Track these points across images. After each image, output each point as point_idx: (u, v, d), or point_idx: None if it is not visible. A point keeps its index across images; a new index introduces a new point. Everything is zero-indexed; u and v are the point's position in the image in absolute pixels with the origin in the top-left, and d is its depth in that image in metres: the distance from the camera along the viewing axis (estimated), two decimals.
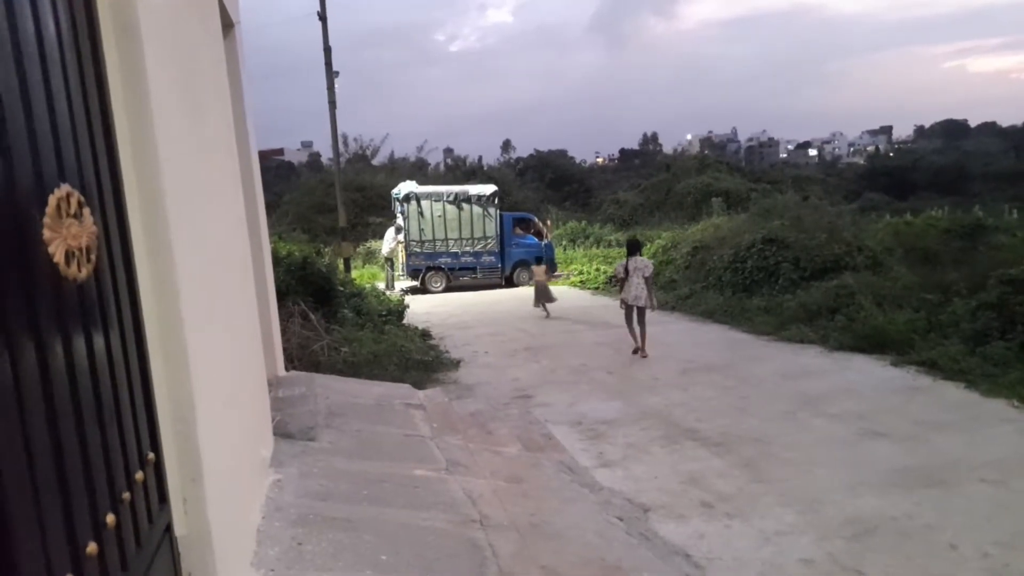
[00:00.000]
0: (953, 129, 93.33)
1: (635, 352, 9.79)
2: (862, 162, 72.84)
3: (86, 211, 1.78)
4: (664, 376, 8.53)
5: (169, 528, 2.24)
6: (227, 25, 4.84)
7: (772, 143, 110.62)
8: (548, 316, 13.73)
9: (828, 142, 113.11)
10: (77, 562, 1.56)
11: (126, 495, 1.88)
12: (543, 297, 13.91)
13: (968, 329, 8.48)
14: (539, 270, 14.61)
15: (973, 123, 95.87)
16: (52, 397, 1.53)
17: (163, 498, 2.21)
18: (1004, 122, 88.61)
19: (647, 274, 9.73)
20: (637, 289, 9.70)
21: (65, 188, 1.67)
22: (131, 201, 2.15)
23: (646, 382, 8.29)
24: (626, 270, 9.86)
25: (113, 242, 1.99)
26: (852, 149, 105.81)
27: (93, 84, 1.95)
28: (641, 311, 9.79)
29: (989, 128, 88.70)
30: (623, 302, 9.95)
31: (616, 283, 12.53)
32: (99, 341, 1.82)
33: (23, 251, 1.48)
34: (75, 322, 1.69)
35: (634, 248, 10.26)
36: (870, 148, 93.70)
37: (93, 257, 1.80)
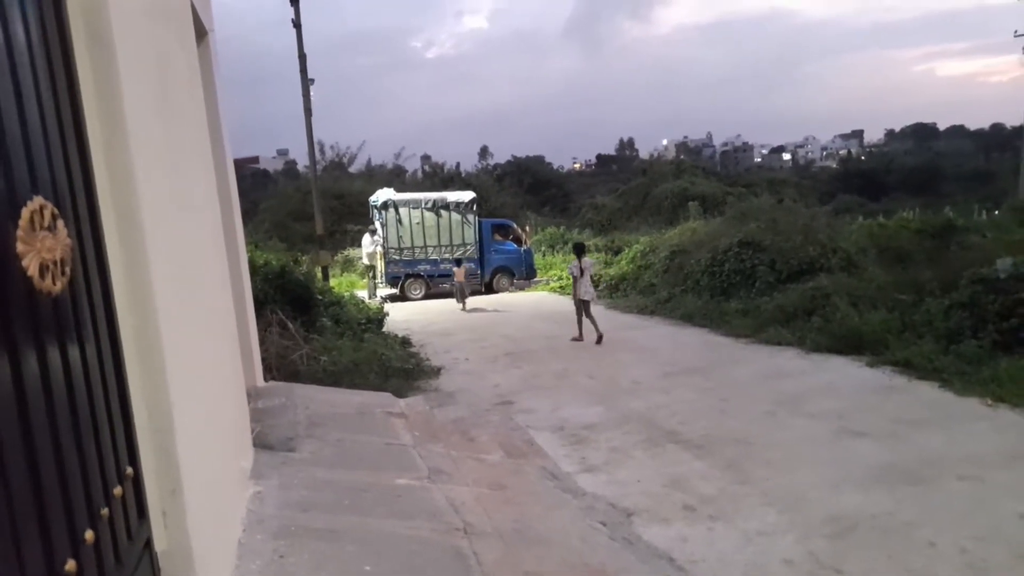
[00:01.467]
0: (923, 132, 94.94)
1: (576, 340, 11.36)
2: (835, 165, 73.86)
3: (60, 223, 1.75)
4: (645, 380, 8.56)
5: (149, 543, 2.21)
6: (200, 33, 4.80)
7: (747, 147, 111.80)
8: (464, 309, 16.23)
9: (801, 146, 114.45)
10: None
11: (104, 511, 1.85)
12: (463, 292, 16.63)
13: (941, 328, 8.61)
14: (459, 272, 16.86)
15: (942, 126, 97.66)
16: (27, 412, 1.51)
17: (142, 513, 2.18)
18: (972, 125, 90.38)
19: (591, 272, 11.62)
20: (587, 285, 11.33)
21: (38, 200, 1.65)
22: (106, 212, 2.12)
23: (627, 386, 8.32)
24: (580, 270, 11.36)
25: (88, 254, 1.96)
26: (825, 152, 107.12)
27: (65, 93, 1.93)
28: (588, 304, 11.41)
29: (958, 131, 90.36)
30: (578, 297, 11.39)
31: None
32: (75, 355, 1.79)
33: None
34: (50, 336, 1.66)
35: (580, 251, 11.94)
36: (842, 151, 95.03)
37: (68, 270, 1.77)
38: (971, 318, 8.40)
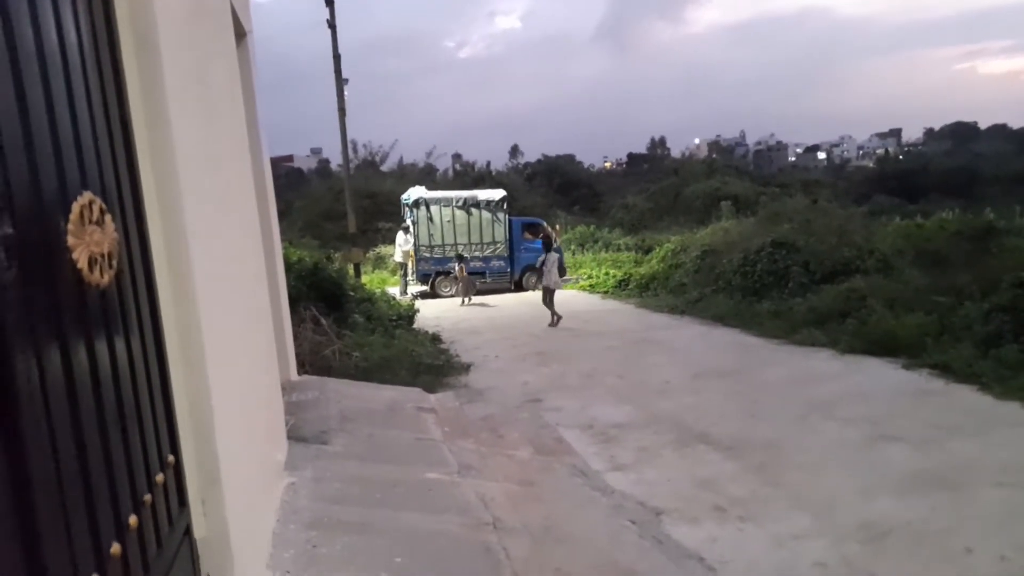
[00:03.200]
0: (963, 132, 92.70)
1: (553, 324, 13.00)
2: (871, 165, 72.45)
3: (108, 218, 1.81)
4: (675, 380, 8.52)
5: (188, 530, 2.27)
6: (240, 34, 4.89)
7: (780, 147, 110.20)
8: (465, 304, 16.98)
9: (837, 145, 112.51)
10: (101, 563, 1.58)
11: (147, 497, 1.91)
12: (465, 292, 17.33)
13: (980, 332, 8.43)
14: (463, 267, 17.69)
15: (983, 125, 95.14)
16: (76, 401, 1.56)
17: (183, 501, 2.24)
18: (1014, 124, 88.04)
19: (559, 264, 13.67)
20: (550, 275, 13.25)
21: (87, 195, 1.70)
22: (150, 208, 2.18)
23: (657, 386, 8.28)
24: (542, 263, 13.60)
25: (133, 248, 2.02)
26: (861, 152, 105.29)
27: (113, 93, 1.99)
28: (552, 292, 13.32)
29: (999, 131, 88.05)
30: (544, 287, 13.43)
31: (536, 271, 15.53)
32: (121, 346, 1.85)
33: (49, 257, 1.51)
34: (98, 327, 1.72)
35: (548, 245, 14.24)
36: (879, 151, 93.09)
37: (115, 263, 1.83)
38: (1012, 322, 8.22)
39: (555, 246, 20.46)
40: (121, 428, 1.80)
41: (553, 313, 13.11)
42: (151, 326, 2.10)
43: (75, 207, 1.65)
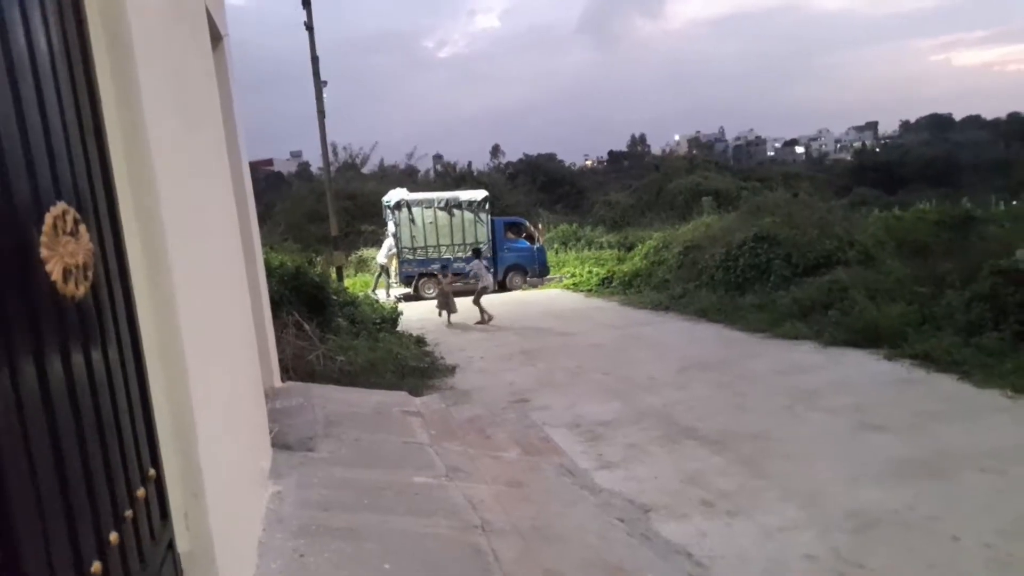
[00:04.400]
0: (939, 123, 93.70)
1: (487, 322, 13.66)
2: (849, 158, 73.16)
3: (82, 228, 1.77)
4: (661, 376, 8.54)
5: (172, 544, 2.23)
6: (216, 37, 4.83)
7: (760, 141, 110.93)
8: (450, 325, 13.88)
9: (815, 139, 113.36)
10: None
11: (128, 512, 1.87)
12: (444, 306, 14.23)
13: (961, 321, 8.53)
14: (445, 280, 14.91)
15: (958, 116, 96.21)
16: (53, 415, 1.53)
17: (165, 514, 2.20)
18: (988, 115, 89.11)
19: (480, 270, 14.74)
20: (485, 277, 14.59)
21: (61, 206, 1.67)
22: (126, 216, 2.14)
23: (642, 382, 8.30)
24: (472, 270, 14.76)
25: (109, 258, 1.98)
26: (839, 145, 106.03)
27: (86, 99, 1.95)
28: (482, 292, 14.26)
29: (974, 121, 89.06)
30: (484, 289, 14.38)
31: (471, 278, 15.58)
32: (98, 358, 1.81)
33: (22, 270, 1.47)
34: (74, 340, 1.68)
35: (477, 254, 15.73)
36: (857, 144, 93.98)
37: (90, 274, 1.79)
38: (992, 310, 8.31)
39: (484, 259, 20.35)
40: (100, 443, 1.76)
41: (482, 311, 13.75)
42: (129, 337, 2.06)
43: (48, 218, 1.61)
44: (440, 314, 14.28)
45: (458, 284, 20.13)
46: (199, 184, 3.15)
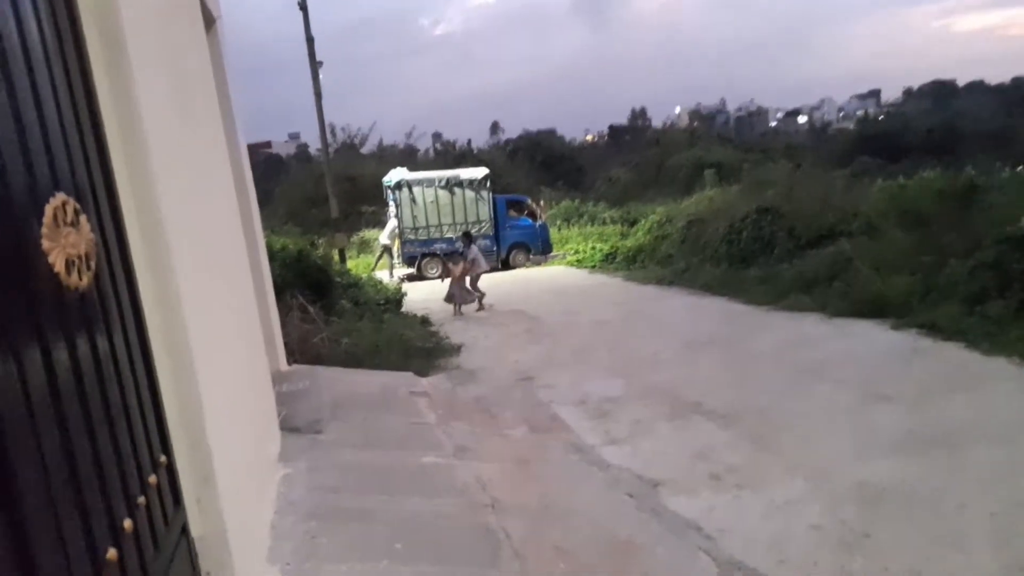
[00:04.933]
0: (942, 90, 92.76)
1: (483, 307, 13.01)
2: (852, 127, 72.52)
3: (83, 218, 1.77)
4: (666, 352, 8.55)
5: (185, 529, 2.25)
6: (209, 21, 4.79)
7: (761, 112, 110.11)
8: (459, 314, 12.62)
9: (817, 108, 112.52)
10: (98, 568, 1.57)
11: (141, 499, 1.89)
12: (460, 297, 12.77)
13: (966, 290, 8.48)
14: (456, 268, 13.30)
15: (961, 83, 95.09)
16: (62, 406, 1.54)
17: (177, 500, 2.22)
18: (992, 80, 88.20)
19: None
20: (480, 264, 13.36)
21: (60, 197, 1.66)
22: (126, 205, 2.14)
23: (648, 358, 8.31)
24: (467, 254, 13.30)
25: (111, 248, 1.98)
26: (842, 115, 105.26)
27: (81, 90, 1.94)
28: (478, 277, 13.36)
29: (977, 87, 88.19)
30: (477, 273, 13.26)
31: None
32: (104, 348, 1.81)
33: (24, 262, 1.47)
34: (79, 331, 1.68)
35: (469, 238, 14.00)
36: (859, 113, 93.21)
37: (93, 264, 1.79)
38: (997, 278, 8.26)
39: (486, 238, 20.16)
40: (110, 432, 1.77)
41: (480, 295, 13.11)
42: (134, 326, 2.07)
43: (48, 209, 1.60)
44: (457, 309, 12.72)
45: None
46: (198, 170, 3.14)
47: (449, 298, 12.87)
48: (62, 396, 1.54)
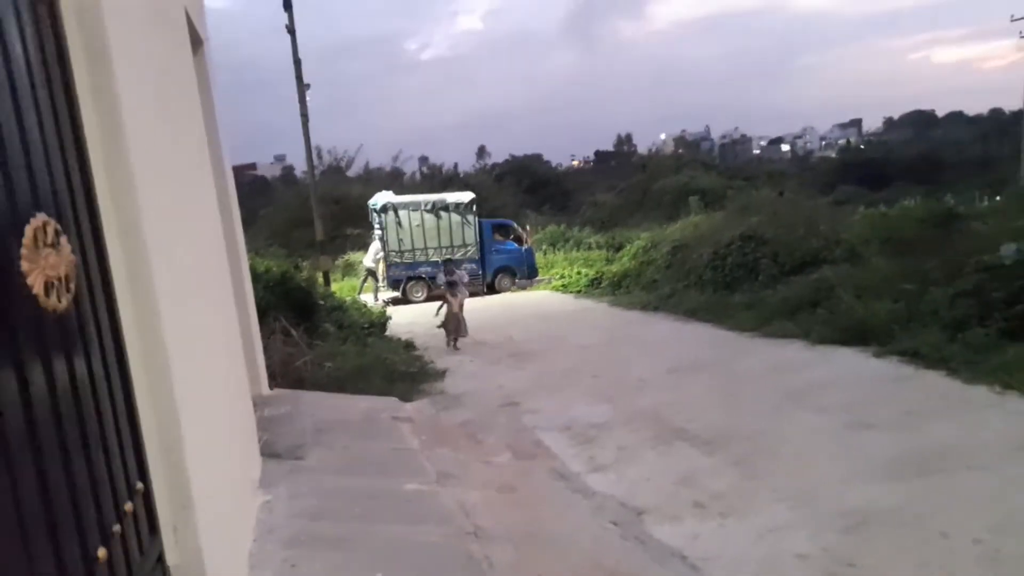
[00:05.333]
0: (922, 120, 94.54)
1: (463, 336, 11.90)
2: (834, 155, 73.57)
3: (63, 240, 1.74)
4: (651, 377, 8.54)
5: (161, 558, 2.20)
6: (196, 42, 4.78)
7: (745, 140, 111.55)
8: (454, 349, 11.54)
9: (800, 137, 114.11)
10: None
11: (116, 527, 1.84)
12: (453, 328, 11.75)
13: (947, 317, 8.56)
14: (455, 301, 11.85)
15: (940, 113, 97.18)
16: (36, 431, 1.50)
17: (153, 528, 2.16)
18: (970, 111, 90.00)
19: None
20: (465, 292, 12.30)
21: (41, 217, 1.64)
22: (108, 227, 2.11)
23: (633, 383, 8.30)
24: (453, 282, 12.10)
25: (92, 270, 1.95)
26: (824, 143, 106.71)
27: (64, 109, 1.92)
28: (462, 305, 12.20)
29: (956, 117, 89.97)
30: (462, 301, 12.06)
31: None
32: (82, 372, 1.78)
33: (2, 284, 1.44)
34: (57, 354, 1.65)
35: (452, 266, 13.04)
36: (841, 141, 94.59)
37: (72, 286, 1.76)
38: (977, 306, 8.35)
39: (527, 246, 20.35)
40: (86, 457, 1.74)
41: (461, 327, 11.80)
42: (113, 349, 2.03)
43: (28, 230, 1.58)
44: (450, 341, 11.68)
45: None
46: (182, 192, 3.11)
47: (449, 329, 11.71)
48: (37, 421, 1.51)
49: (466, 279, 12.80)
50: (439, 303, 12.33)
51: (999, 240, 9.45)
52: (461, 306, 11.89)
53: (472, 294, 19.74)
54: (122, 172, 2.19)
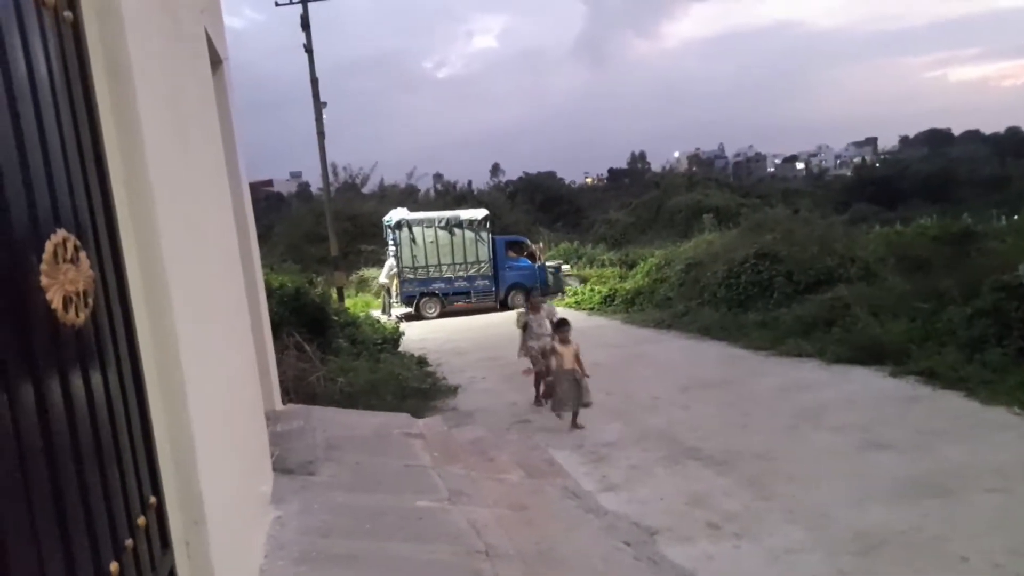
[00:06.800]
0: (937, 138, 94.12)
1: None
2: (849, 174, 73.37)
3: (83, 255, 1.76)
4: (664, 395, 8.49)
5: (173, 573, 2.20)
6: (215, 62, 4.86)
7: (759, 157, 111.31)
8: (574, 426, 7.35)
9: (815, 155, 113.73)
10: None
11: (129, 542, 1.84)
12: (568, 396, 7.36)
13: (964, 336, 8.48)
14: (567, 351, 7.45)
15: (956, 131, 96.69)
16: (52, 444, 1.51)
17: (165, 543, 2.17)
18: (987, 129, 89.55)
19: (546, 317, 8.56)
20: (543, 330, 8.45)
21: (61, 233, 1.66)
22: (127, 243, 2.13)
23: (645, 402, 8.25)
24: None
25: (110, 285, 1.97)
26: (839, 161, 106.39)
27: (86, 127, 1.95)
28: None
29: (972, 136, 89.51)
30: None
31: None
32: (98, 386, 1.79)
33: (21, 299, 1.46)
34: (73, 368, 1.67)
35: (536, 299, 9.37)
36: (856, 159, 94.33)
37: (90, 302, 1.78)
38: (995, 325, 8.27)
39: (540, 263, 20.29)
40: (100, 472, 1.74)
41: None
42: (129, 364, 2.05)
43: (48, 246, 1.60)
44: (541, 400, 8.30)
45: (460, 304, 20.17)
46: (199, 208, 3.15)
47: (568, 397, 7.36)
48: (53, 435, 1.52)
49: (556, 315, 8.63)
50: (531, 347, 8.47)
51: (1017, 259, 9.35)
52: (577, 358, 7.46)
53: (485, 310, 19.90)
54: (141, 188, 2.22)
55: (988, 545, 4.23)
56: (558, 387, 7.47)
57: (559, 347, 7.60)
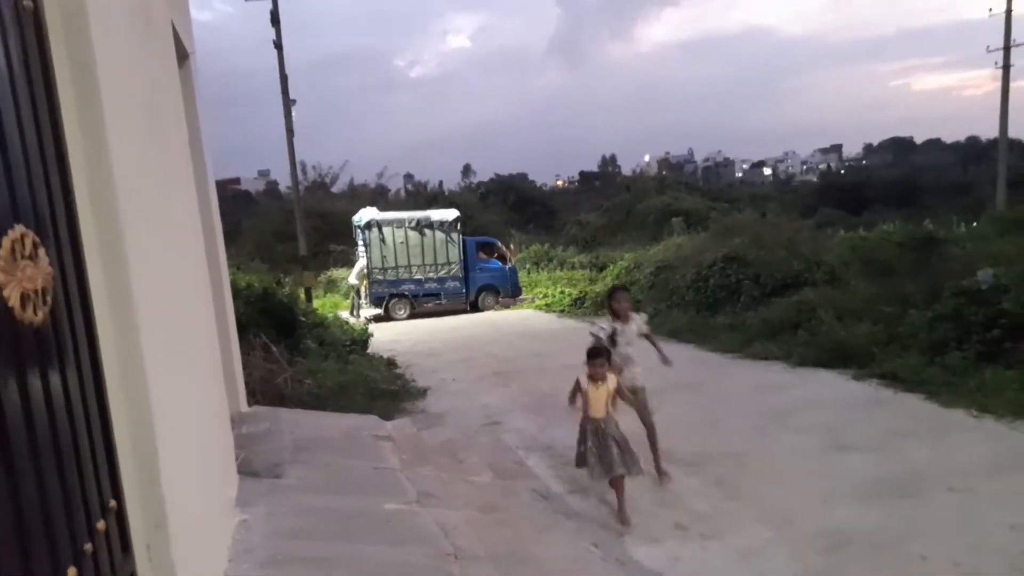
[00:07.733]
0: (901, 145, 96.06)
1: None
2: (815, 180, 74.53)
3: (41, 252, 1.72)
4: None
5: None
6: (182, 55, 4.77)
7: (728, 162, 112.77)
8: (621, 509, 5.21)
9: (781, 161, 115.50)
10: None
11: (88, 546, 1.80)
12: (594, 459, 5.23)
13: (926, 340, 8.65)
14: (598, 393, 5.58)
15: (919, 139, 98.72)
16: (8, 446, 1.48)
17: (126, 547, 2.12)
18: (948, 138, 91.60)
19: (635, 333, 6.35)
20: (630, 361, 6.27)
21: (19, 229, 1.62)
22: (88, 240, 2.08)
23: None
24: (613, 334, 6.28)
25: (70, 283, 1.92)
26: (805, 167, 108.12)
27: (47, 122, 1.90)
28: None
29: (934, 144, 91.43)
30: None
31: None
32: (57, 387, 1.75)
33: None
34: (32, 368, 1.63)
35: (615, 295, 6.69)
36: (822, 166, 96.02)
37: (49, 299, 1.74)
38: (955, 329, 8.45)
39: (511, 265, 20.33)
40: (58, 473, 1.70)
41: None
42: (90, 365, 2.00)
43: (5, 242, 1.56)
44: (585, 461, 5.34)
45: (430, 305, 20.09)
46: (163, 205, 3.09)
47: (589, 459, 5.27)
48: (9, 436, 1.48)
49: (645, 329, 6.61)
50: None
51: (977, 264, 9.58)
52: (615, 398, 5.62)
53: (456, 311, 19.84)
54: (104, 185, 2.16)
55: (949, 544, 4.32)
56: (580, 443, 5.51)
57: (586, 384, 5.60)
